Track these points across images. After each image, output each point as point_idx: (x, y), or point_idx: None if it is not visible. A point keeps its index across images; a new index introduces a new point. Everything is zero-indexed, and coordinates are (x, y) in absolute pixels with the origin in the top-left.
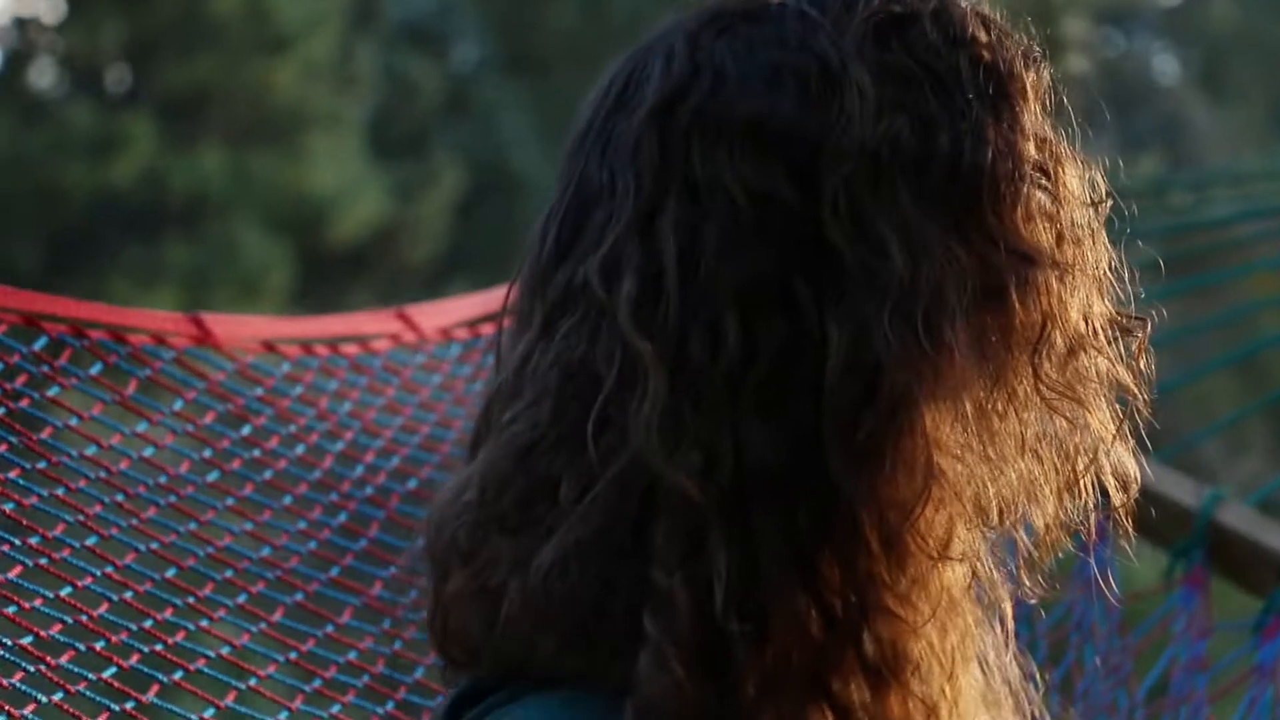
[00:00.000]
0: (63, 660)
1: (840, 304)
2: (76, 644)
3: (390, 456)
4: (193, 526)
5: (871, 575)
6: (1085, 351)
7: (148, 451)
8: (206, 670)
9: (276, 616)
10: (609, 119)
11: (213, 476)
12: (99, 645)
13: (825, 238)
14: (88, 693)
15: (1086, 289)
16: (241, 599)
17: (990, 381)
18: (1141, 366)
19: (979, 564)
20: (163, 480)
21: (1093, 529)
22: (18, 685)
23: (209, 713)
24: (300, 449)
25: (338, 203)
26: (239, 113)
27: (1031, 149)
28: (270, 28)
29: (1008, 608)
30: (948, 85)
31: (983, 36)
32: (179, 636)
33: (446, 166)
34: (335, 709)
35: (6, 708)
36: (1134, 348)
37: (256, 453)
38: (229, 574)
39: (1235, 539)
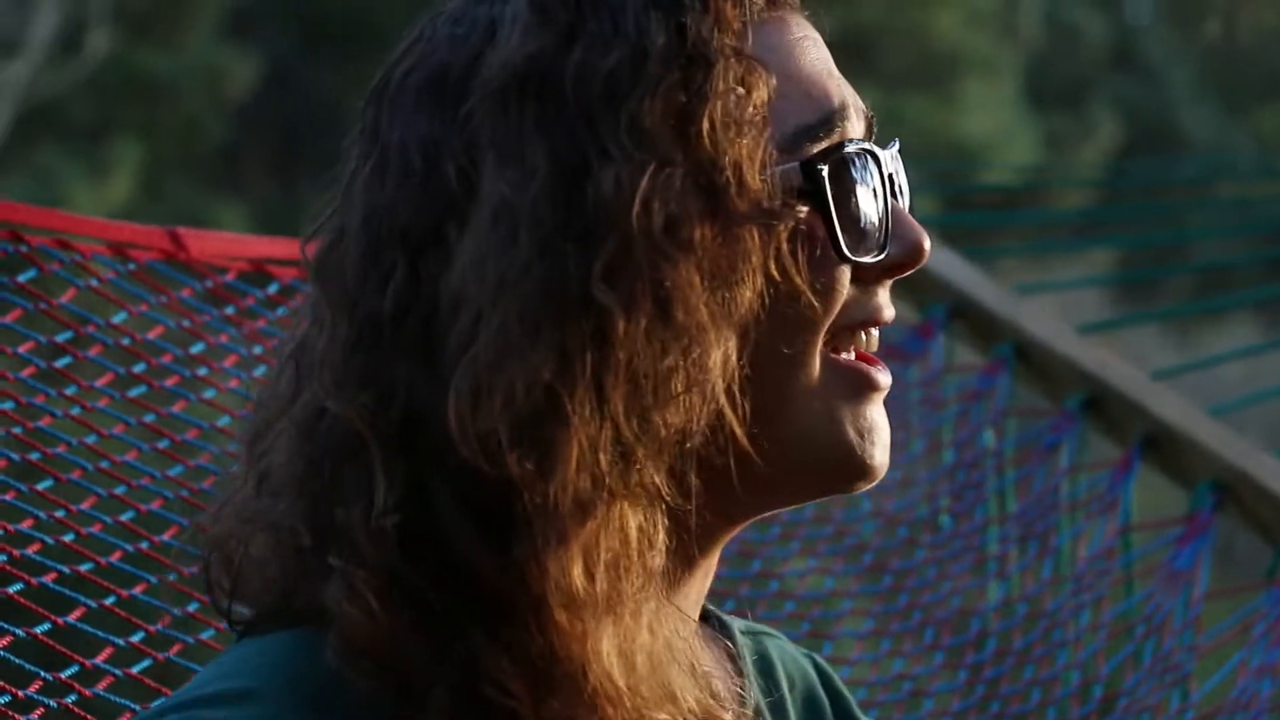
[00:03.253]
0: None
1: (463, 236)
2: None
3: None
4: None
5: (543, 509)
6: (675, 257)
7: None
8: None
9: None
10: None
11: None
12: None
13: (467, 173)
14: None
15: (712, 192)
16: None
17: (568, 288)
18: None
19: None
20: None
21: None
22: None
23: None
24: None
25: (989, 150)
26: (897, 56)
27: (669, 50)
28: None
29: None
30: (611, 2)
31: None
32: None
33: (1105, 120)
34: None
35: None
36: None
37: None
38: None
39: None
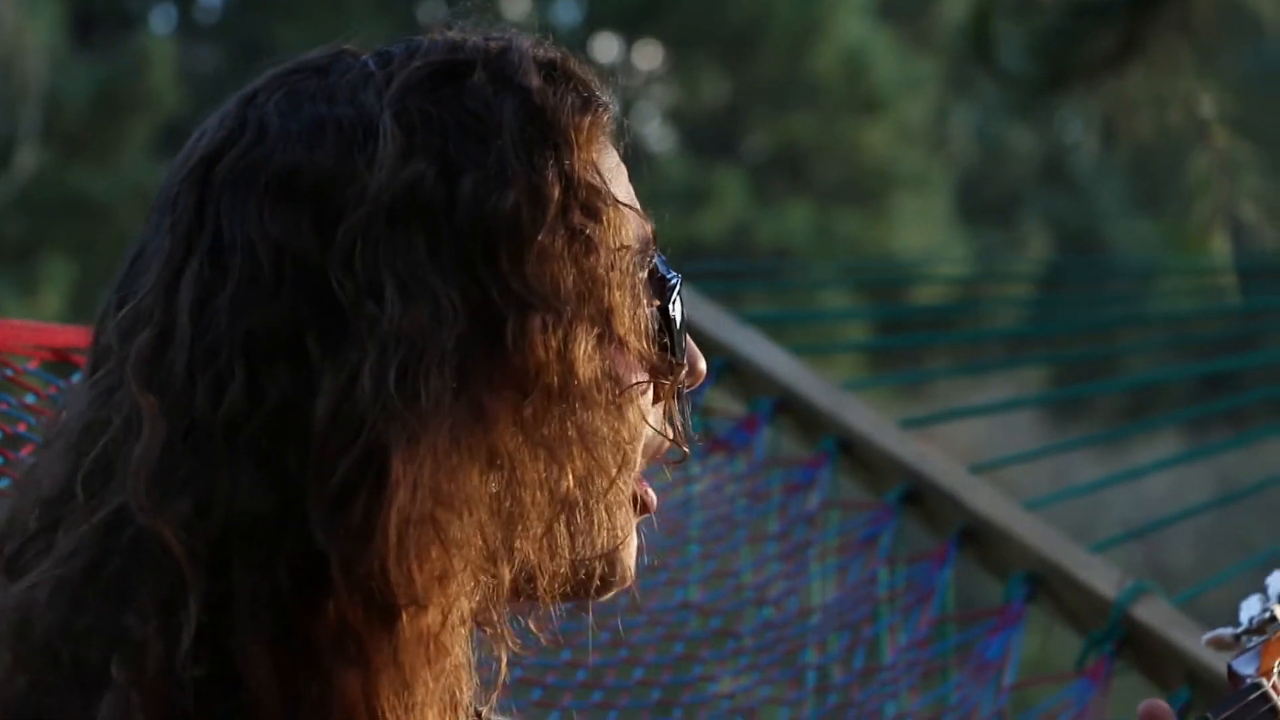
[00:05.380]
0: None
1: (338, 354)
2: None
3: None
4: None
5: (346, 624)
6: (585, 403)
7: None
8: None
9: None
10: (172, 177)
11: None
12: None
13: (333, 288)
14: None
15: (612, 338)
16: None
17: (480, 431)
18: (675, 418)
19: (476, 608)
20: None
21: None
22: None
23: None
24: None
25: (920, 265)
26: (829, 172)
27: (564, 193)
28: (866, 89)
29: (504, 657)
30: (485, 134)
31: (535, 82)
32: None
33: (1034, 233)
34: None
35: None
36: (664, 397)
37: None
38: None
39: (1148, 634)
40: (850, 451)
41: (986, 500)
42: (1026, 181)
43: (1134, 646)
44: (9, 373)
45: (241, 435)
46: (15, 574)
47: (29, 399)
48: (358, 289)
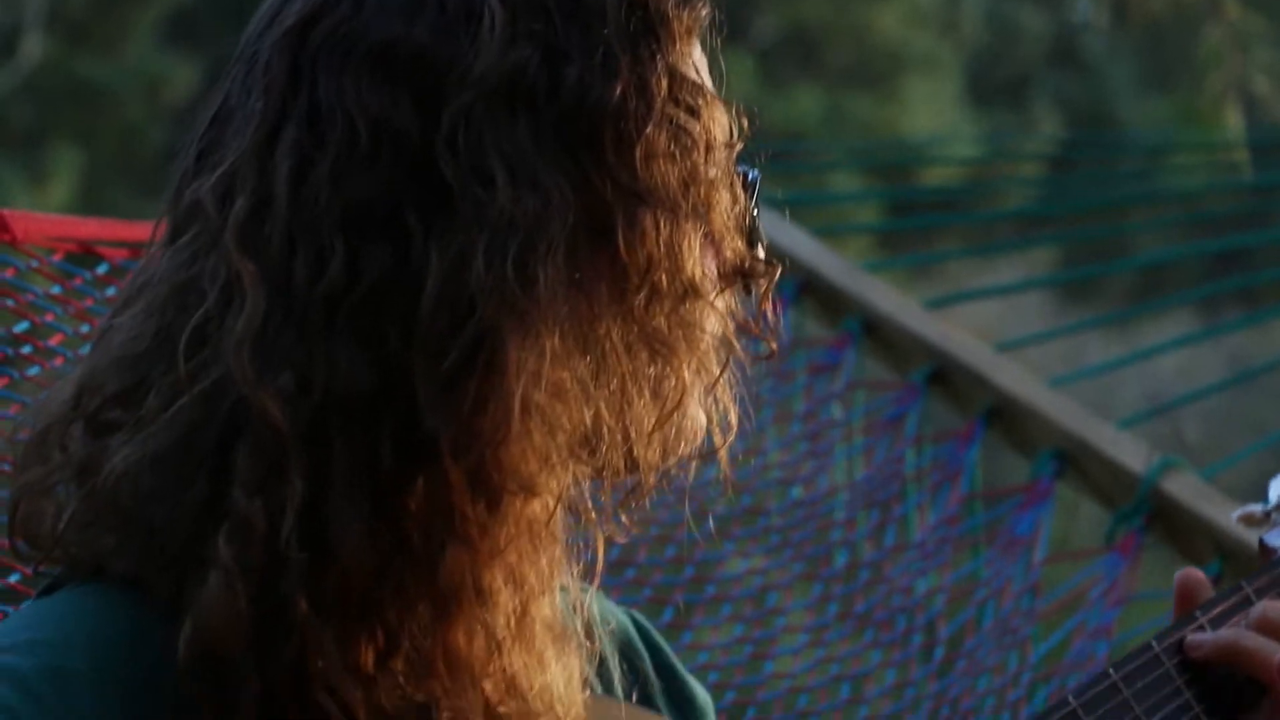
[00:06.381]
0: None
1: (445, 234)
2: None
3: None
4: None
5: (451, 507)
6: (694, 299)
7: None
8: None
9: None
10: (259, 39)
11: None
12: None
13: (438, 167)
14: None
15: (711, 235)
16: None
17: (589, 321)
18: (768, 316)
19: (571, 498)
20: None
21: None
22: None
23: None
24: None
25: (931, 147)
26: (840, 54)
27: (669, 88)
28: None
29: (600, 542)
30: (588, 20)
31: None
32: None
33: (1046, 115)
34: None
35: None
36: (759, 296)
37: None
38: None
39: (1178, 508)
40: (874, 332)
41: (1013, 378)
42: (1037, 62)
43: (1163, 521)
44: (34, 264)
45: (341, 311)
46: (99, 432)
47: (55, 290)
48: (463, 171)
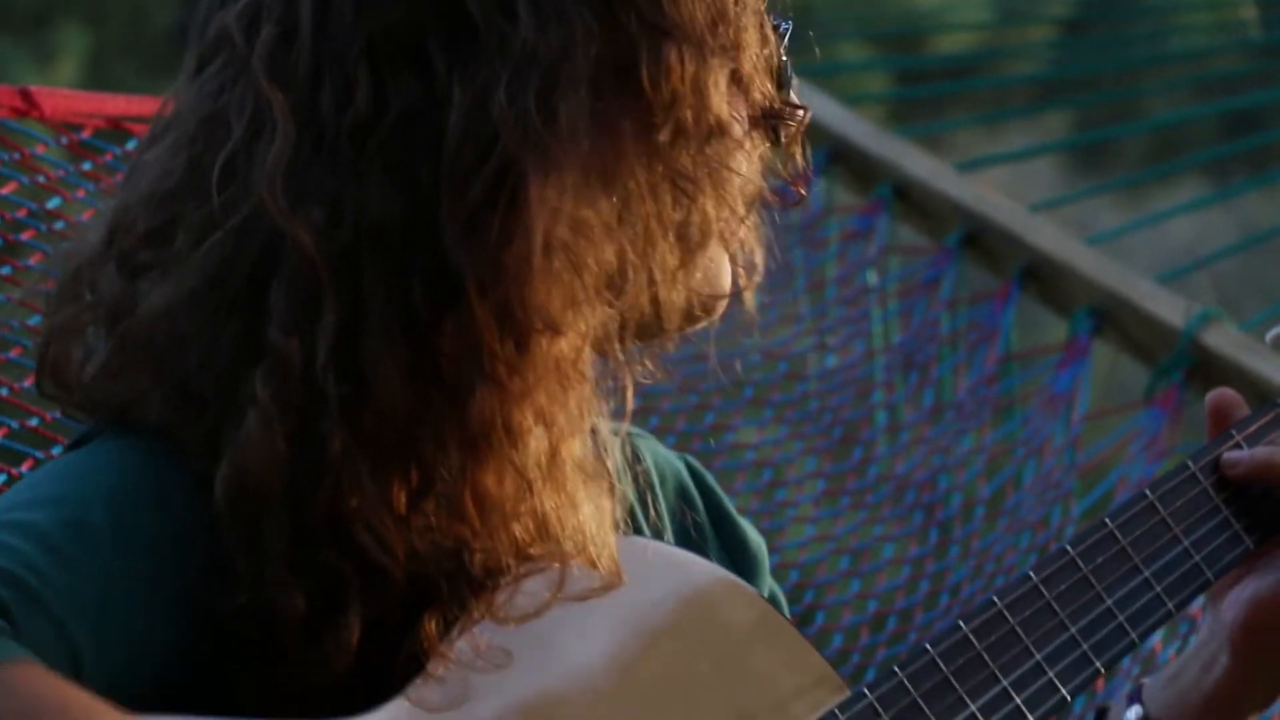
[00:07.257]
0: None
1: (468, 67)
2: None
3: None
4: None
5: (480, 346)
6: (721, 139)
7: None
8: None
9: None
10: None
11: None
12: None
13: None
14: None
15: (739, 76)
16: None
17: (614, 159)
18: (797, 157)
19: (598, 338)
20: None
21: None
22: None
23: None
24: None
25: (939, 16)
26: None
27: None
28: None
29: (629, 382)
30: None
31: None
32: None
33: None
34: None
35: None
36: (787, 137)
37: None
38: None
39: (1218, 360)
40: (906, 197)
41: (1049, 237)
42: None
43: (1204, 373)
44: (64, 140)
45: (370, 144)
46: (132, 274)
47: (86, 166)
48: (486, 3)
